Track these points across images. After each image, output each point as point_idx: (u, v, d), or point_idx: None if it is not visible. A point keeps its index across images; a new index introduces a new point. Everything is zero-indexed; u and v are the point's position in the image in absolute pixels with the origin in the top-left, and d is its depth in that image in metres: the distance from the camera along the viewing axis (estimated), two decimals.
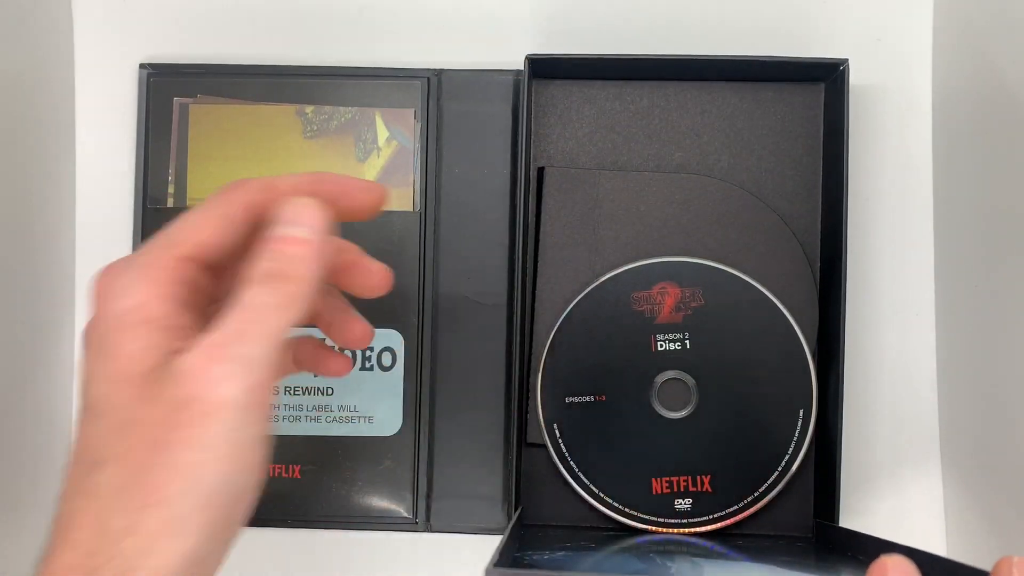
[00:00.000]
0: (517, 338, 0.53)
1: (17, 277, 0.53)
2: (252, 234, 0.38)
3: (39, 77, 0.55)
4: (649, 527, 0.53)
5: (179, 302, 0.36)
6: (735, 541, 0.51)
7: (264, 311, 0.35)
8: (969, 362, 0.53)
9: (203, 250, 0.37)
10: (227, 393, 0.34)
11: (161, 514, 0.33)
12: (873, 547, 0.46)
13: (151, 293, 0.36)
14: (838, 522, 0.52)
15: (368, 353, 0.56)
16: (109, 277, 0.36)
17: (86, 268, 0.58)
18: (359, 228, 0.44)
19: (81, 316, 0.58)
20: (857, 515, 0.55)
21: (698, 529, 0.53)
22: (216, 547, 0.34)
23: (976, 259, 0.52)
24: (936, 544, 0.56)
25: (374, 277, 0.43)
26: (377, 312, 0.46)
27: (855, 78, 0.54)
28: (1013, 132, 0.49)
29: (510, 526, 0.47)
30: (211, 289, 0.38)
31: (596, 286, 0.54)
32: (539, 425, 0.54)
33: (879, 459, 0.56)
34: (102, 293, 0.36)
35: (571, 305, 0.54)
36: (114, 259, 0.38)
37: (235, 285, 0.36)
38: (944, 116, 0.56)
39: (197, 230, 0.38)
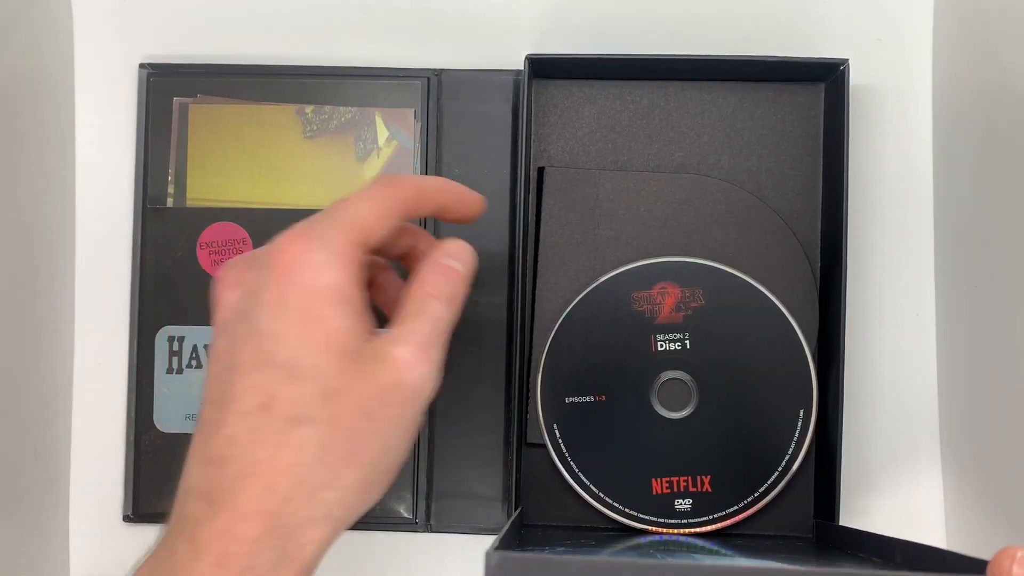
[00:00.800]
0: (517, 338, 0.53)
1: (16, 276, 0.53)
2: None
3: (39, 77, 0.55)
4: (649, 527, 0.53)
5: (358, 283, 0.40)
6: (735, 541, 0.51)
7: (447, 325, 0.41)
8: (970, 361, 0.53)
9: (373, 240, 0.41)
10: (428, 388, 0.40)
11: (361, 476, 0.39)
12: (872, 544, 0.46)
13: (347, 275, 0.39)
14: (838, 522, 0.51)
15: None
16: (299, 249, 0.39)
17: (86, 267, 0.58)
18: None
19: (81, 315, 0.58)
20: (857, 514, 0.55)
21: (698, 529, 0.53)
22: (376, 502, 0.40)
23: (977, 258, 0.52)
24: (937, 543, 0.56)
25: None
26: (378, 312, 0.46)
27: (855, 78, 0.54)
28: (1014, 131, 0.49)
29: (511, 520, 0.47)
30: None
31: (596, 286, 0.54)
32: (539, 425, 0.54)
33: (880, 458, 0.56)
34: (294, 263, 0.39)
35: (571, 305, 0.54)
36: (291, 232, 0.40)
37: (414, 292, 0.41)
38: (945, 115, 0.56)
39: (370, 220, 0.41)
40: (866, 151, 0.57)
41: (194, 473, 0.39)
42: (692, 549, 0.48)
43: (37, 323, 0.55)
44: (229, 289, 0.41)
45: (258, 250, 0.41)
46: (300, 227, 0.40)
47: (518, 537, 0.48)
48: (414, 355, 0.39)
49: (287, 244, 0.39)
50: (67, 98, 0.58)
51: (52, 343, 0.56)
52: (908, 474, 0.56)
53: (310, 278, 0.39)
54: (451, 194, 0.45)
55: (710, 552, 0.48)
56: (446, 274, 0.42)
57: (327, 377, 0.38)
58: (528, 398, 0.54)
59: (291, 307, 0.38)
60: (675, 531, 0.53)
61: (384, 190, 0.42)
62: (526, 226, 0.54)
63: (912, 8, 0.57)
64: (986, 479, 0.52)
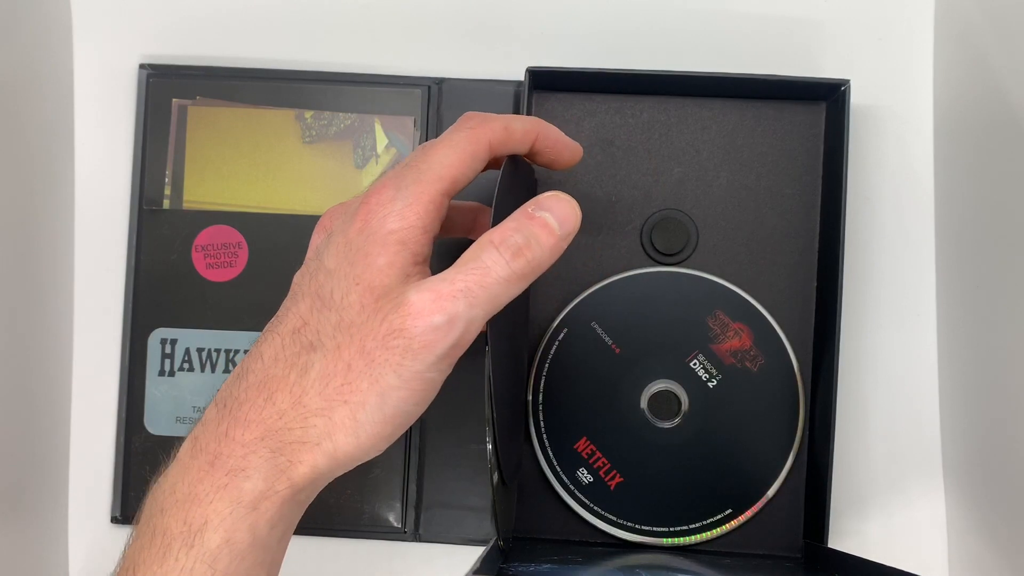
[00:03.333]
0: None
1: (15, 276, 0.53)
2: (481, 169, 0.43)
3: (38, 76, 0.55)
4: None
5: (428, 231, 0.40)
6: (722, 561, 0.51)
7: (497, 279, 0.39)
8: (972, 375, 0.53)
9: (456, 186, 0.41)
10: (435, 342, 0.38)
11: (349, 413, 0.38)
12: (861, 569, 0.46)
13: (412, 222, 0.40)
14: (826, 543, 0.51)
15: None
16: (379, 199, 0.40)
17: (81, 267, 0.58)
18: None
19: (77, 316, 0.58)
20: (853, 535, 0.55)
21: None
22: (375, 451, 0.40)
23: (979, 271, 0.52)
24: (938, 567, 0.55)
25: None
26: None
27: (857, 96, 0.54)
28: (1013, 144, 0.48)
29: (493, 541, 0.47)
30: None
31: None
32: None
33: (879, 473, 0.56)
34: (373, 210, 0.40)
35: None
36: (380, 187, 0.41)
37: (481, 236, 0.40)
38: (945, 130, 0.56)
39: (455, 167, 0.41)
40: (868, 166, 0.57)
41: (223, 386, 0.41)
42: (677, 570, 0.48)
43: (36, 323, 0.55)
44: (318, 233, 0.45)
45: (355, 197, 0.43)
46: (388, 176, 0.41)
47: (502, 554, 0.48)
48: (427, 303, 0.38)
49: (372, 193, 0.41)
50: (66, 98, 0.58)
51: (51, 343, 0.56)
52: (909, 490, 0.56)
53: (378, 223, 0.40)
54: (543, 136, 0.45)
55: (694, 574, 0.48)
56: (524, 223, 0.40)
57: (347, 309, 0.39)
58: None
59: (352, 247, 0.40)
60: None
61: (470, 133, 0.42)
62: None
63: (912, 27, 0.57)
64: (992, 496, 0.52)
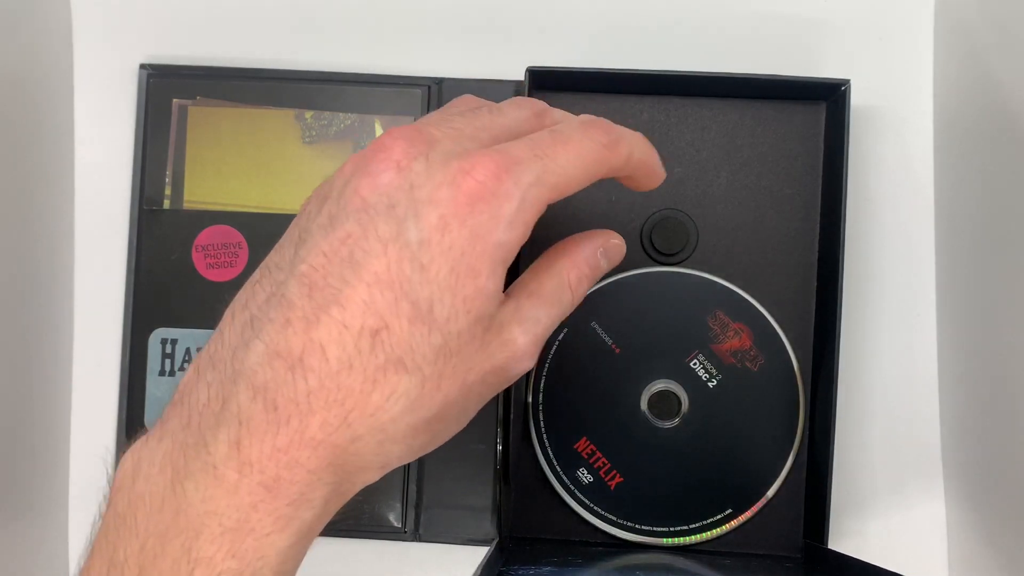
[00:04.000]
0: None
1: (15, 276, 0.53)
2: None
3: (38, 76, 0.55)
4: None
5: (524, 243, 0.36)
6: (721, 562, 0.51)
7: (558, 313, 0.38)
8: (972, 375, 0.53)
9: (565, 196, 0.37)
10: (517, 378, 0.37)
11: (431, 440, 0.36)
12: (859, 572, 0.46)
13: (521, 235, 0.35)
14: (826, 544, 0.51)
15: None
16: (493, 186, 0.34)
17: (81, 267, 0.58)
18: None
19: (80, 315, 0.58)
20: (853, 535, 0.55)
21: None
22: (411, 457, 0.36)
23: (979, 271, 0.52)
24: (938, 567, 0.55)
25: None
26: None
27: (857, 96, 0.54)
28: (1013, 143, 0.48)
29: (494, 543, 0.47)
30: None
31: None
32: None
33: (879, 474, 0.56)
34: (479, 199, 0.34)
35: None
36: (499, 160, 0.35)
37: (561, 268, 0.39)
38: (945, 130, 0.56)
39: (573, 185, 0.37)
40: (868, 166, 0.57)
41: (255, 353, 0.34)
42: (676, 570, 0.48)
43: (36, 323, 0.55)
44: (388, 164, 0.35)
45: (443, 147, 0.35)
46: (506, 155, 0.35)
47: (503, 556, 0.48)
48: (530, 347, 0.37)
49: (484, 167, 0.34)
50: (66, 98, 0.58)
51: (51, 343, 0.56)
52: (909, 491, 0.56)
53: (487, 226, 0.34)
54: (647, 165, 0.41)
55: (693, 574, 0.48)
56: (593, 271, 0.39)
57: (452, 335, 0.34)
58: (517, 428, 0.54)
59: (454, 246, 0.34)
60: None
61: (599, 153, 0.38)
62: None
63: (912, 26, 0.57)
64: (992, 497, 0.51)
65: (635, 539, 0.53)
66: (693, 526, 0.53)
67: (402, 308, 0.33)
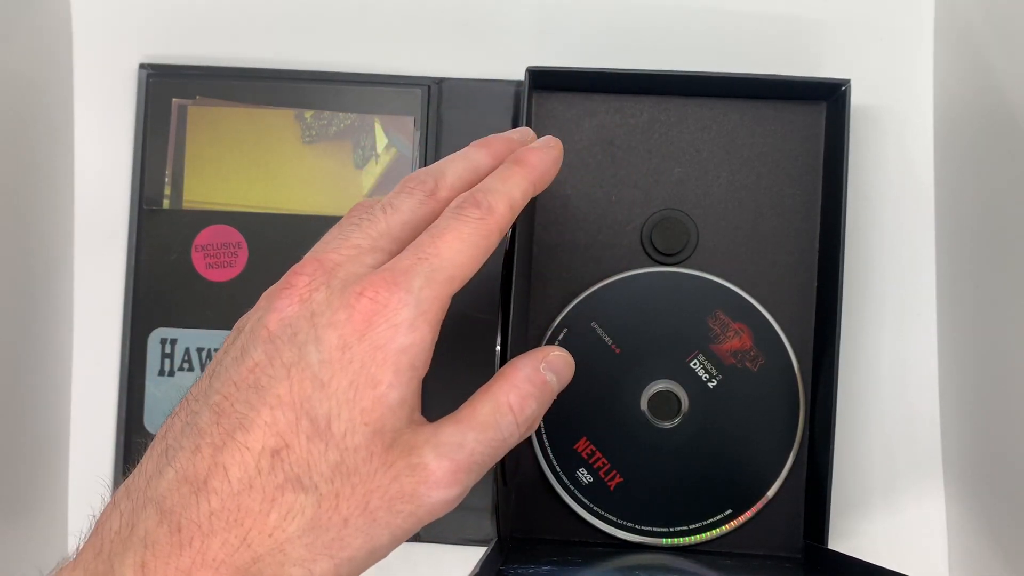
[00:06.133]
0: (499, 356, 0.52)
1: (15, 276, 0.53)
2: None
3: (38, 76, 0.55)
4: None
5: (433, 343, 0.36)
6: (722, 562, 0.51)
7: (503, 450, 0.37)
8: (972, 375, 0.53)
9: (462, 286, 0.37)
10: (439, 512, 0.36)
11: (332, 567, 0.34)
12: (860, 572, 0.46)
13: (425, 336, 0.36)
14: (827, 544, 0.51)
15: None
16: (385, 301, 0.35)
17: (81, 266, 0.58)
18: None
19: (80, 315, 0.58)
20: (853, 535, 0.55)
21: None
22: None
23: (979, 271, 0.52)
24: (939, 568, 0.55)
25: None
26: None
27: (857, 96, 0.54)
28: (1013, 143, 0.48)
29: (493, 543, 0.46)
30: None
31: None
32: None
33: (879, 474, 0.56)
34: (378, 312, 0.35)
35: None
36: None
37: (496, 393, 0.37)
38: (945, 130, 0.56)
39: (467, 267, 0.37)
40: (868, 166, 0.57)
41: (166, 488, 0.34)
42: (676, 571, 0.48)
43: (36, 323, 0.55)
44: (292, 298, 0.36)
45: (342, 273, 0.37)
46: (393, 270, 0.36)
47: (502, 555, 0.48)
48: (448, 475, 0.35)
49: (377, 288, 0.35)
50: (66, 98, 0.58)
51: (51, 343, 0.56)
52: (909, 490, 0.56)
53: (386, 336, 0.35)
54: (539, 181, 0.41)
55: (693, 575, 0.48)
56: (539, 390, 0.38)
57: (349, 451, 0.34)
58: None
59: (353, 360, 0.35)
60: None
61: (480, 226, 0.38)
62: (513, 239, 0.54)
63: (913, 26, 0.57)
64: (993, 496, 0.51)
65: (635, 539, 0.53)
66: (693, 527, 0.53)
67: (302, 426, 0.34)
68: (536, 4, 0.58)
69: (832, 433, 0.51)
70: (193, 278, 0.56)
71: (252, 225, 0.56)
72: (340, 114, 0.56)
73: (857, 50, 0.57)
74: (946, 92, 0.56)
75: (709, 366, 0.53)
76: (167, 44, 0.58)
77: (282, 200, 0.56)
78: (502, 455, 0.37)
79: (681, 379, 0.54)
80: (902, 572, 0.43)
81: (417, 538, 0.55)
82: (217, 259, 0.56)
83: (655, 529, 0.53)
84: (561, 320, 0.54)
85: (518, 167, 0.41)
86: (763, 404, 0.53)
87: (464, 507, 0.55)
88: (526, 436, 0.38)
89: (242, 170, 0.56)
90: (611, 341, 0.54)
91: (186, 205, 0.56)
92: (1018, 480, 0.49)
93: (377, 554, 0.35)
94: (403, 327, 0.35)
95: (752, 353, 0.53)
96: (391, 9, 0.58)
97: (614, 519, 0.53)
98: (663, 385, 0.54)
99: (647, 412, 0.54)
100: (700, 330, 0.54)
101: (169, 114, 0.57)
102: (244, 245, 0.56)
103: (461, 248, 0.37)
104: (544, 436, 0.54)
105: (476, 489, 0.55)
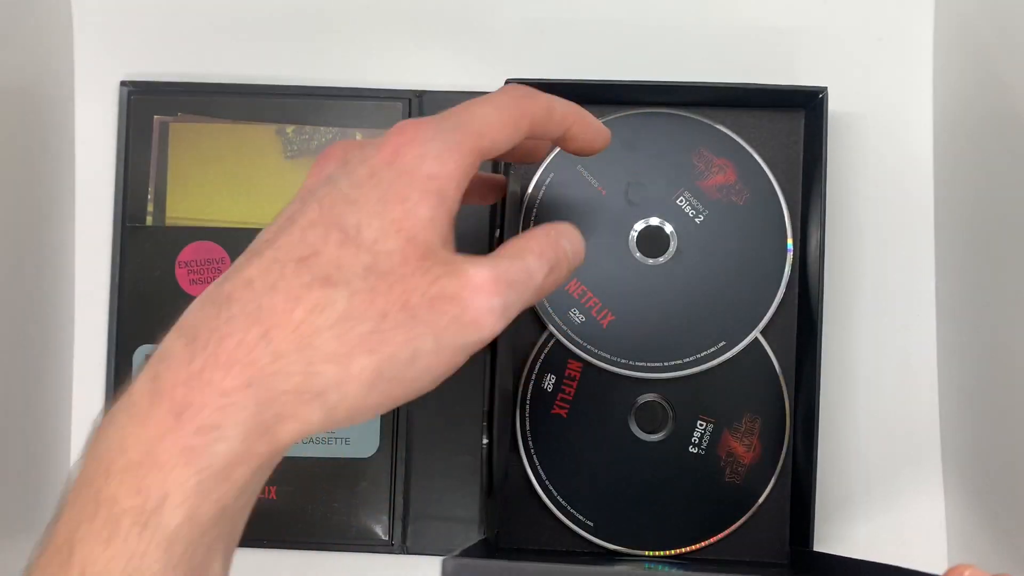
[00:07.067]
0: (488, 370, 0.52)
1: (15, 282, 0.53)
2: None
3: (34, 92, 0.55)
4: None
5: (462, 188, 0.35)
6: (708, 567, 0.51)
7: (535, 287, 0.36)
8: (972, 375, 0.54)
9: (493, 151, 0.37)
10: (483, 323, 0.34)
11: (374, 364, 0.32)
12: (841, 568, 0.46)
13: (452, 170, 0.35)
14: (812, 547, 0.52)
15: None
16: (414, 135, 0.35)
17: (67, 285, 0.58)
18: None
19: (79, 325, 0.58)
20: (853, 537, 0.56)
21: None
22: (374, 413, 0.34)
23: (979, 271, 0.53)
24: (939, 568, 0.55)
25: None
26: None
27: (857, 97, 0.55)
28: (1013, 144, 0.49)
29: (479, 540, 0.47)
30: None
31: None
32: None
33: (878, 475, 0.56)
34: (406, 144, 0.35)
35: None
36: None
37: (515, 242, 0.36)
38: (945, 130, 0.56)
39: (497, 129, 0.37)
40: (868, 166, 0.57)
41: (191, 312, 0.34)
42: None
43: (34, 337, 0.55)
44: (328, 160, 0.38)
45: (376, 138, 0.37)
46: (424, 119, 0.36)
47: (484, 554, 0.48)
48: (488, 282, 0.34)
49: (406, 127, 0.35)
50: (61, 114, 0.58)
51: (50, 349, 0.56)
52: (909, 492, 0.56)
53: (414, 163, 0.34)
54: (580, 121, 0.41)
55: None
56: (554, 243, 0.37)
57: (383, 256, 0.33)
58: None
59: (382, 181, 0.34)
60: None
61: (515, 102, 0.38)
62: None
63: (912, 26, 0.58)
64: (993, 495, 0.52)
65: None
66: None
67: (331, 236, 0.33)
68: (516, 16, 0.58)
69: (815, 438, 0.51)
70: (177, 294, 0.56)
71: (235, 241, 0.56)
72: (322, 128, 0.57)
73: (857, 51, 0.58)
74: (946, 92, 0.56)
75: (696, 202, 0.54)
76: (148, 61, 0.58)
77: (265, 215, 0.56)
78: (532, 294, 0.36)
79: (668, 216, 0.54)
80: (883, 562, 0.43)
81: (405, 550, 0.56)
82: (201, 275, 0.56)
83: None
84: (547, 166, 0.54)
85: (568, 102, 0.41)
86: (751, 236, 0.54)
87: (452, 518, 0.55)
88: (550, 289, 0.37)
89: (224, 186, 0.56)
90: (597, 183, 0.54)
91: (169, 222, 0.57)
92: (1018, 479, 0.49)
93: (419, 360, 0.33)
94: (430, 156, 0.35)
95: (737, 187, 0.54)
96: (370, 23, 0.58)
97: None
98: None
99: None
100: (685, 168, 0.54)
101: (151, 131, 0.57)
102: (228, 261, 0.56)
103: (493, 112, 0.37)
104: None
105: (463, 501, 0.55)
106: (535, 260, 0.36)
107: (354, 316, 0.32)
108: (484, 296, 0.34)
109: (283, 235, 0.34)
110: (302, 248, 0.33)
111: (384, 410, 0.34)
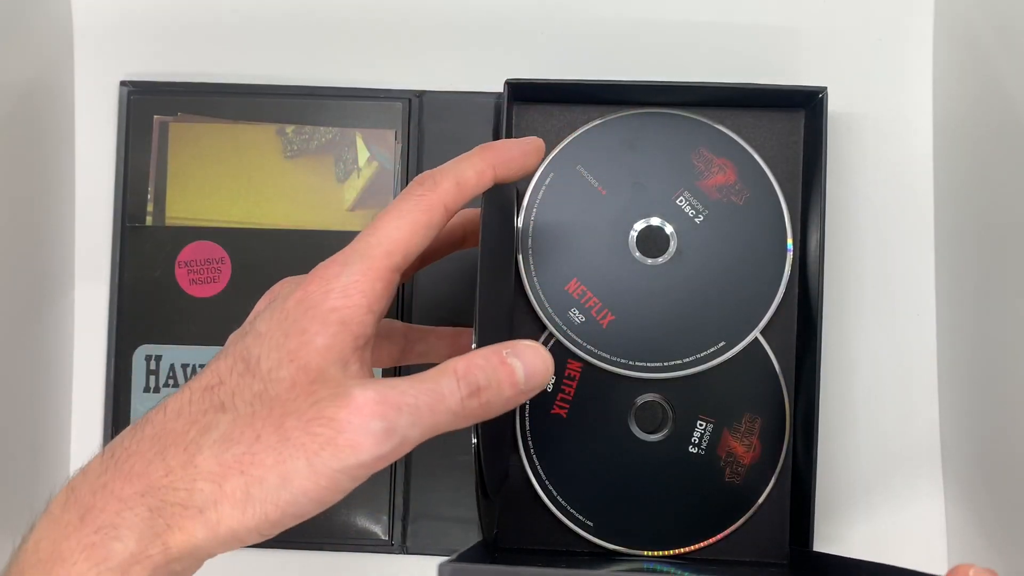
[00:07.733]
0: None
1: (14, 281, 0.53)
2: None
3: (33, 92, 0.55)
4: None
5: (373, 311, 0.38)
6: (709, 567, 0.51)
7: (446, 410, 0.37)
8: (972, 375, 0.54)
9: (408, 258, 0.39)
10: (362, 445, 0.35)
11: (243, 485, 0.35)
12: (840, 568, 0.46)
13: (357, 300, 0.38)
14: (812, 547, 0.51)
15: None
16: (325, 275, 0.38)
17: (67, 285, 0.58)
18: (338, 247, 0.43)
19: (79, 325, 0.58)
20: (853, 538, 0.56)
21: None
22: (258, 536, 0.36)
23: (979, 271, 0.53)
24: (939, 569, 0.55)
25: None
26: None
27: (857, 97, 0.55)
28: (1013, 144, 0.49)
29: (475, 544, 0.47)
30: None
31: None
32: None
33: (879, 476, 0.56)
34: (316, 284, 0.38)
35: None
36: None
37: (447, 361, 0.38)
38: (945, 131, 0.56)
39: (405, 240, 0.39)
40: (868, 166, 0.57)
41: (119, 435, 0.38)
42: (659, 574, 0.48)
43: (34, 339, 0.55)
44: (266, 296, 0.43)
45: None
46: (334, 257, 0.39)
47: (487, 558, 0.48)
48: (369, 404, 0.35)
49: (319, 268, 0.39)
50: (67, 116, 0.58)
51: (50, 359, 0.56)
52: (909, 492, 0.56)
53: (319, 298, 0.38)
54: (501, 165, 0.42)
55: None
56: (493, 365, 0.38)
57: (274, 383, 0.36)
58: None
59: (289, 317, 0.38)
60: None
61: (418, 202, 0.40)
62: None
63: (912, 27, 0.58)
64: (993, 495, 0.52)
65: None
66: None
67: (236, 367, 0.37)
68: (515, 17, 0.58)
69: (815, 439, 0.51)
70: (177, 294, 0.56)
71: (235, 240, 0.56)
72: (321, 128, 0.57)
73: (856, 51, 0.58)
74: (945, 93, 0.56)
75: (696, 202, 0.54)
76: (148, 61, 0.58)
77: (265, 215, 0.56)
78: (445, 417, 0.37)
79: (668, 216, 0.54)
80: (879, 562, 0.43)
81: (405, 550, 0.56)
82: (201, 275, 0.56)
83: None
84: (547, 166, 0.54)
85: (479, 150, 0.43)
86: (750, 236, 0.54)
87: (451, 518, 0.55)
88: (478, 412, 0.38)
89: (224, 186, 0.56)
90: (597, 183, 0.54)
91: (169, 221, 0.57)
92: (1018, 479, 0.49)
93: (291, 483, 0.35)
94: (334, 292, 0.38)
95: (737, 187, 0.54)
96: (371, 24, 0.58)
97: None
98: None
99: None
100: (684, 168, 0.54)
101: (151, 131, 0.57)
102: (227, 260, 0.56)
103: (399, 224, 0.39)
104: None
105: (463, 501, 0.55)
106: (450, 382, 0.37)
107: (231, 438, 0.36)
108: (363, 418, 0.35)
109: (206, 368, 0.38)
110: (211, 378, 0.38)
111: (269, 534, 0.36)
